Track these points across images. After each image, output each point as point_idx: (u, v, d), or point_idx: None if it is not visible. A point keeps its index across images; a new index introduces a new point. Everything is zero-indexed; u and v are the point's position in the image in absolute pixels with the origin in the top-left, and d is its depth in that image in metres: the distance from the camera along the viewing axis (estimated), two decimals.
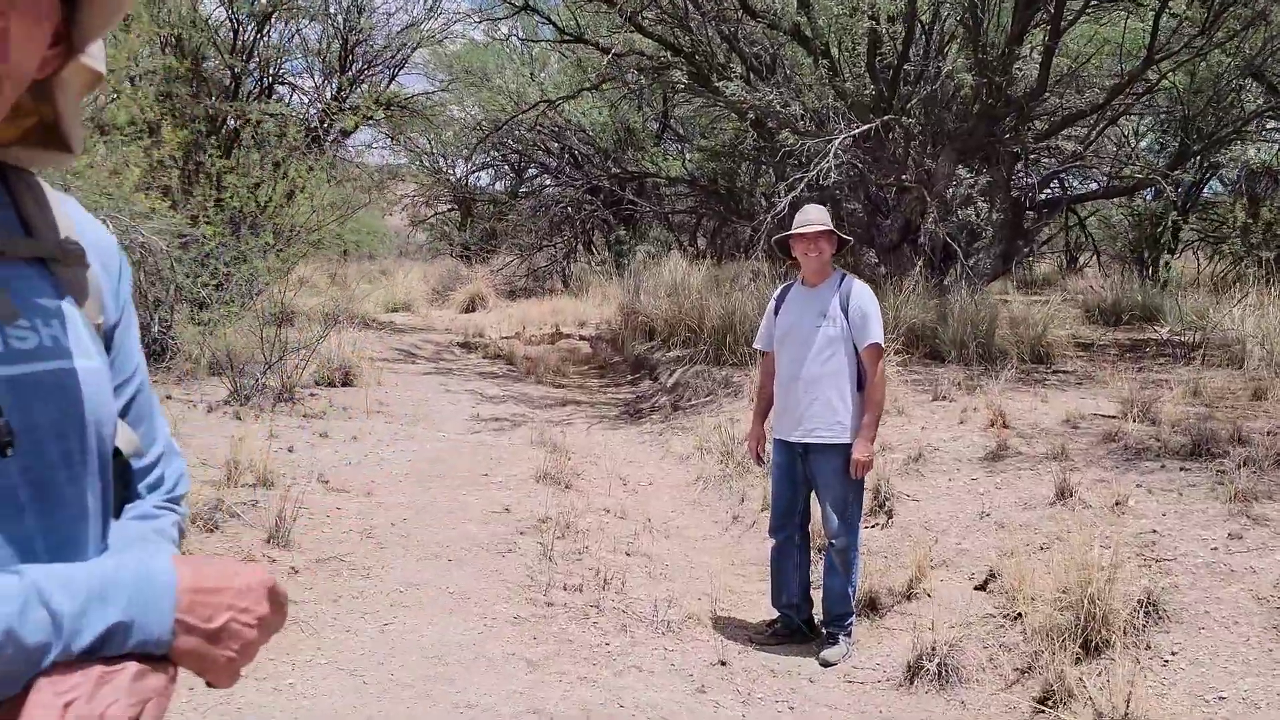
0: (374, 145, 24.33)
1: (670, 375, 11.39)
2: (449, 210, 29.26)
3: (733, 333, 10.94)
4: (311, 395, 9.62)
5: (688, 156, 21.68)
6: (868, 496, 6.27)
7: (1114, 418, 7.41)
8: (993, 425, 7.28)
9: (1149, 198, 16.76)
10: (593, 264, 22.91)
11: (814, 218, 4.98)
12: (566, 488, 7.24)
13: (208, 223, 9.48)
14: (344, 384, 10.27)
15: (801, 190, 9.71)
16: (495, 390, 11.38)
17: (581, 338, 15.46)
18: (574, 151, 22.29)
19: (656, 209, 22.34)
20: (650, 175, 21.21)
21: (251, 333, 8.97)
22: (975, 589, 5.08)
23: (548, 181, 25.70)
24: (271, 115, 12.34)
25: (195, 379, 9.29)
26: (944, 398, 8.40)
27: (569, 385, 12.44)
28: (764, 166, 21.61)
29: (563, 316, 16.87)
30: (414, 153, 25.26)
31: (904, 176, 11.01)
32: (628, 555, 5.91)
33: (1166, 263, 16.91)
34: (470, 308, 19.50)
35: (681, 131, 22.49)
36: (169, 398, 8.68)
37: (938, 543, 5.58)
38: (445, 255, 28.05)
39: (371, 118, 14.54)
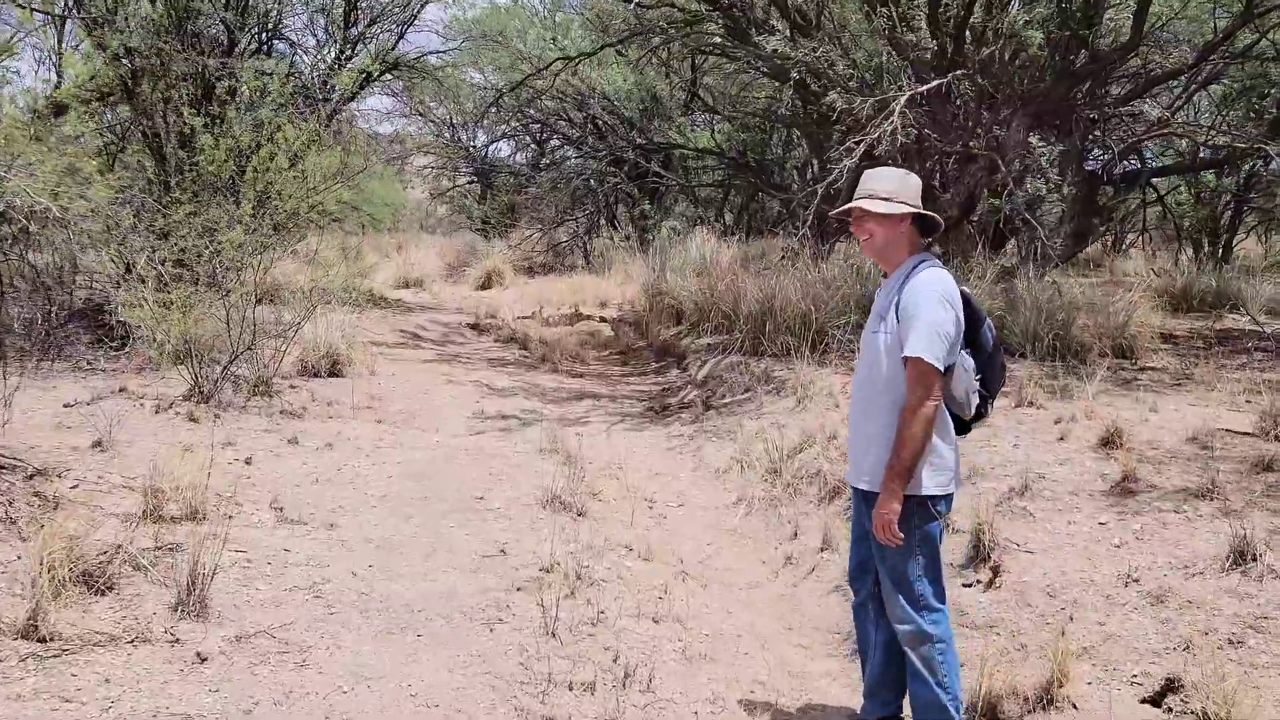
0: (391, 114, 22.64)
1: (701, 367, 9.87)
2: (469, 183, 27.74)
3: (773, 319, 9.38)
4: (292, 388, 8.16)
5: (716, 127, 20.04)
6: (961, 543, 4.77)
7: (1253, 435, 5.85)
8: (1107, 444, 5.72)
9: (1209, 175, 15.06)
10: (615, 240, 21.37)
11: (869, 187, 3.50)
12: (579, 515, 5.73)
13: (176, 191, 8.02)
14: (331, 374, 8.80)
15: (860, 159, 8.10)
16: (504, 381, 9.88)
17: (602, 319, 13.94)
18: (597, 121, 20.67)
19: (683, 182, 20.72)
20: (678, 146, 19.60)
21: (215, 316, 7.49)
22: (1144, 701, 3.55)
23: (570, 153, 24.10)
24: (266, 73, 10.82)
25: (157, 370, 7.83)
26: (1030, 403, 6.84)
27: (587, 374, 10.93)
28: (798, 137, 20.04)
29: (583, 295, 15.34)
30: (433, 123, 23.73)
31: (971, 143, 9.39)
32: (655, 622, 4.41)
33: (1231, 242, 15.21)
34: (486, 284, 18.01)
35: (710, 101, 20.84)
36: (121, 390, 7.24)
37: (1073, 621, 4.05)
38: (465, 229, 26.53)
39: (373, 77, 12.99)
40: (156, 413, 6.62)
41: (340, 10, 13.43)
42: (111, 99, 12.24)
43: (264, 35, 13.24)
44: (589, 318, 13.98)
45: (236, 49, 12.51)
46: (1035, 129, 9.81)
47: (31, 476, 4.78)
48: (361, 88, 12.81)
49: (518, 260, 19.73)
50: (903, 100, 7.92)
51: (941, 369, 3.24)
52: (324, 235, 17.66)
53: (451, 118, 24.07)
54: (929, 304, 3.26)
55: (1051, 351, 8.46)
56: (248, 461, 6.03)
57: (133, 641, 3.62)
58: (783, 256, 15.82)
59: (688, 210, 23.68)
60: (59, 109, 13.39)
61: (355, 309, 10.63)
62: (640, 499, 6.31)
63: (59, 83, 13.73)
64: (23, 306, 8.49)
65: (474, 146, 25.81)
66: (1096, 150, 10.81)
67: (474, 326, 13.29)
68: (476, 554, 4.92)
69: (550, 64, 15.16)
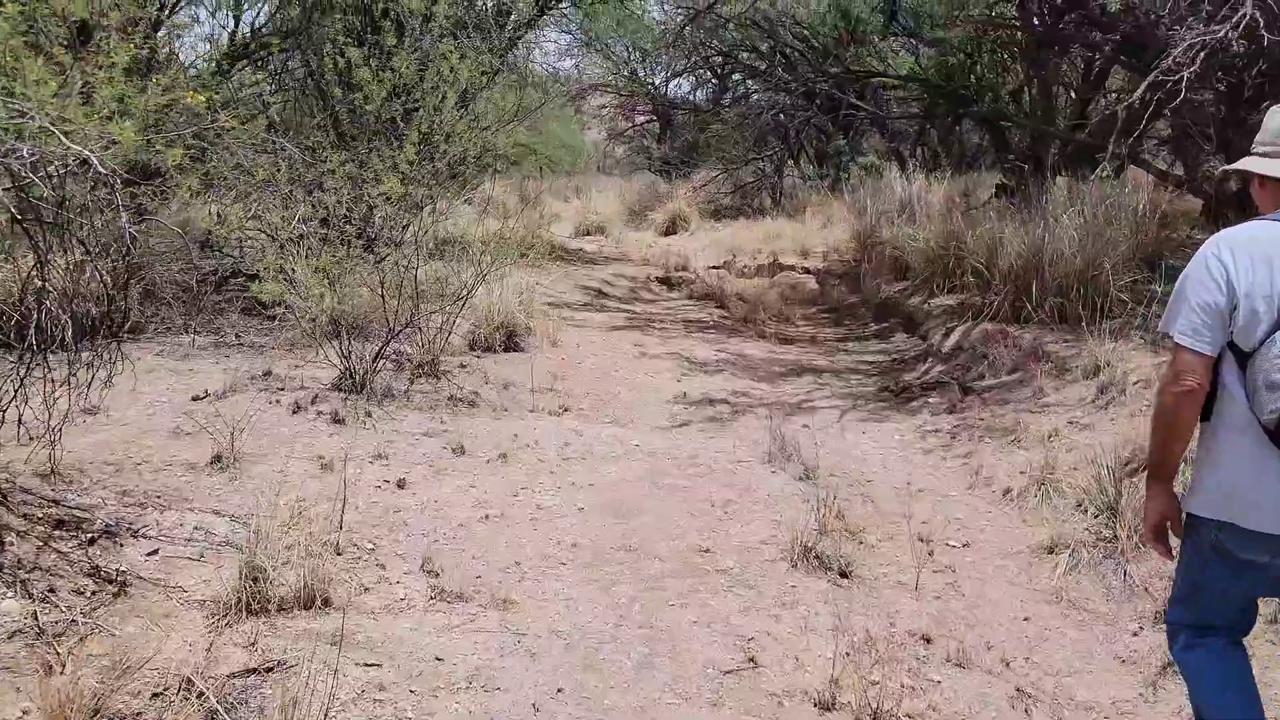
0: (570, 49, 20.95)
1: (945, 335, 7.84)
2: (648, 122, 25.92)
3: (1039, 279, 7.26)
4: (462, 367, 6.63)
5: (921, 53, 17.52)
6: None
7: None
8: None
9: None
10: (806, 179, 19.18)
11: None
12: (843, 575, 3.95)
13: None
14: (507, 348, 7.23)
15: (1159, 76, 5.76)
16: (705, 351, 8.12)
17: (805, 270, 11.97)
18: (786, 50, 18.40)
19: (881, 114, 18.31)
20: (877, 74, 17.19)
21: (369, 286, 5.97)
22: None
23: (754, 87, 21.86)
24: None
25: (310, 346, 6.39)
26: None
27: (798, 339, 9.06)
28: (1008, 59, 17.35)
29: (779, 244, 13.35)
30: (612, 59, 21.96)
31: None
32: None
33: None
34: (670, 230, 16.21)
35: (911, 24, 18.26)
36: (266, 375, 5.85)
37: None
38: (644, 170, 24.78)
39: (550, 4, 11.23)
40: (294, 412, 5.14)
41: None
42: (289, 40, 11.04)
43: None
44: (790, 268, 12.03)
45: None
46: None
47: (94, 540, 3.30)
48: (541, 13, 11.09)
49: (702, 203, 17.83)
50: None
51: (1194, 345, 2.33)
52: (500, 181, 16.25)
53: (630, 52, 22.20)
54: (1190, 266, 2.40)
55: None
56: (400, 485, 4.49)
57: None
58: (995, 194, 13.50)
59: (878, 145, 21.23)
60: (233, 56, 12.22)
61: (535, 266, 9.05)
62: (913, 537, 4.46)
63: (235, 27, 12.62)
64: (164, 273, 7.25)
65: (653, 84, 23.93)
66: None
67: (664, 281, 11.56)
68: (714, 666, 3.19)
69: None
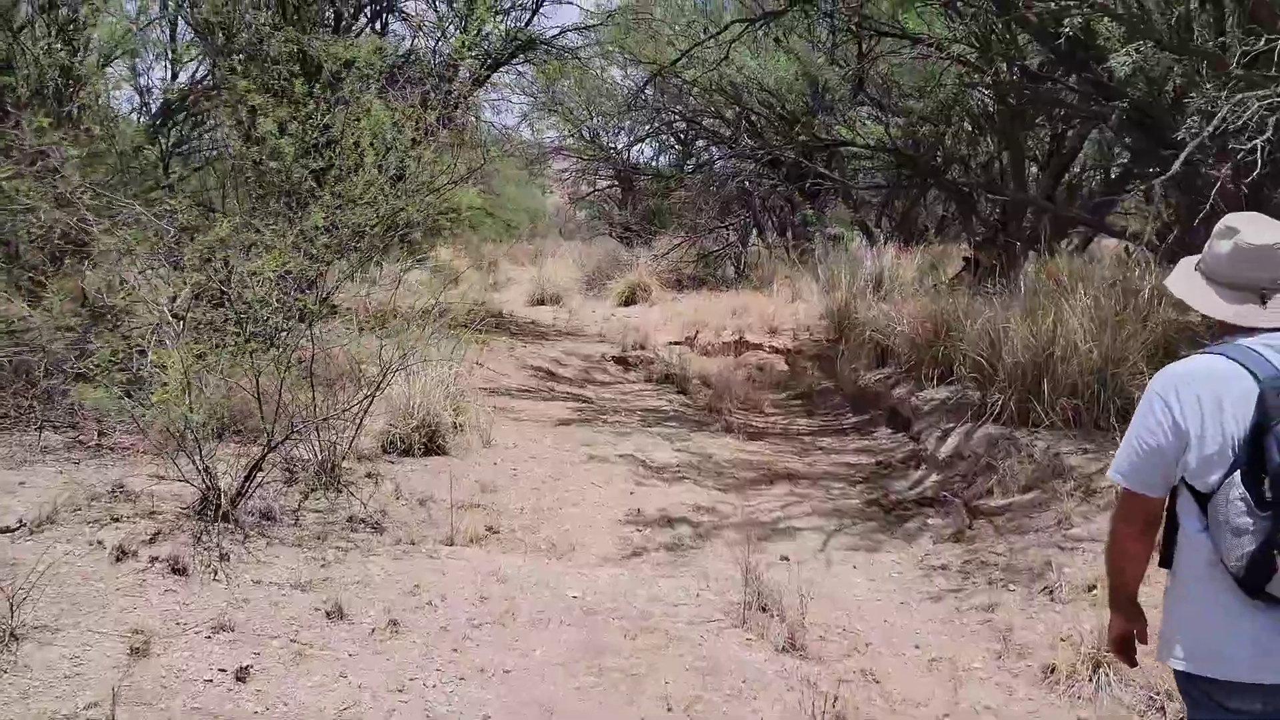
0: (529, 114, 19.83)
1: (941, 439, 6.66)
2: (609, 187, 24.94)
3: (1051, 377, 6.13)
4: (369, 477, 5.36)
5: (891, 122, 16.67)
6: None
7: None
8: None
9: None
10: (771, 248, 18.20)
11: None
12: None
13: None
14: (429, 450, 5.96)
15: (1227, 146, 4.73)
16: (664, 452, 6.89)
17: (773, 349, 10.84)
18: (752, 116, 17.50)
19: (849, 184, 17.41)
20: (846, 143, 16.28)
21: (239, 385, 4.69)
22: None
23: (716, 154, 20.94)
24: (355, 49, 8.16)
25: (181, 453, 5.07)
26: None
27: (769, 433, 7.86)
28: (982, 132, 16.55)
29: (745, 319, 12.21)
30: (571, 121, 20.98)
31: None
32: None
33: None
34: (630, 299, 15.08)
35: (880, 93, 17.43)
36: (115, 491, 4.56)
37: None
38: (605, 235, 23.76)
39: (501, 62, 10.14)
40: (119, 560, 3.83)
41: None
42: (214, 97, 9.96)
43: (378, 11, 10.60)
44: (757, 347, 10.89)
45: (343, 25, 9.92)
46: None
47: None
48: (491, 70, 10.00)
49: (664, 271, 16.74)
50: None
51: (1134, 488, 2.17)
52: (455, 244, 15.07)
53: (592, 114, 21.24)
54: (1140, 405, 2.17)
55: None
56: (240, 677, 3.20)
57: None
58: (966, 268, 12.62)
59: (842, 213, 20.38)
60: (171, 107, 11.07)
61: (486, 335, 7.71)
62: None
63: (173, 80, 11.54)
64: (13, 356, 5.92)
65: (614, 149, 22.98)
66: None
67: (620, 360, 10.36)
68: None
69: (699, 43, 11.96)
